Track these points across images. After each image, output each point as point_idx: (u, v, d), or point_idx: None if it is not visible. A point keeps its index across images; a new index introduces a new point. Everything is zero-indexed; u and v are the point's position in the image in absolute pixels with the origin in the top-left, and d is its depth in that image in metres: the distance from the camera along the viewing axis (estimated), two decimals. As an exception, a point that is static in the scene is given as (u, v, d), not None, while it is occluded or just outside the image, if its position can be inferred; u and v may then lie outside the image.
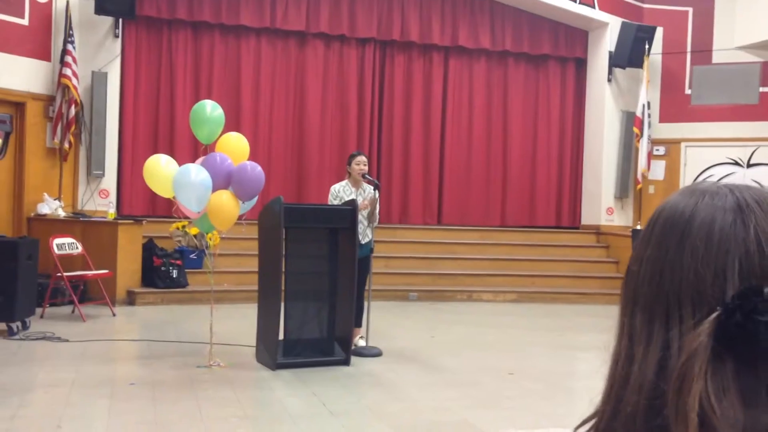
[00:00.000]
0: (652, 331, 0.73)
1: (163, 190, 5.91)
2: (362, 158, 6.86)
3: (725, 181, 0.80)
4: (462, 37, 11.74)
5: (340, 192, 6.77)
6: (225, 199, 5.90)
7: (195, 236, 9.28)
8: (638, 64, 11.45)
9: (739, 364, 0.67)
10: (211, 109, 6.11)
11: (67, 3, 9.52)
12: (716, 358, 0.67)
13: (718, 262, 0.71)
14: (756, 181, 10.87)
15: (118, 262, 8.92)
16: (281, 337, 6.18)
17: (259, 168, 6.05)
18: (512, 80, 12.17)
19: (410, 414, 4.98)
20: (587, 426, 0.78)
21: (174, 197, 5.84)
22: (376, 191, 6.86)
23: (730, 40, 10.94)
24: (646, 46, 11.37)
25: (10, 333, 6.95)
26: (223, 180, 5.88)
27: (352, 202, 6.42)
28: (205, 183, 5.67)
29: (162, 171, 5.84)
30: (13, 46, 9.20)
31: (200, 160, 6.07)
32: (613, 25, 11.74)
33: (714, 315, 0.68)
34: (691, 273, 0.72)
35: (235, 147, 6.17)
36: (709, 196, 0.76)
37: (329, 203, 6.79)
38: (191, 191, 5.64)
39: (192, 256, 9.55)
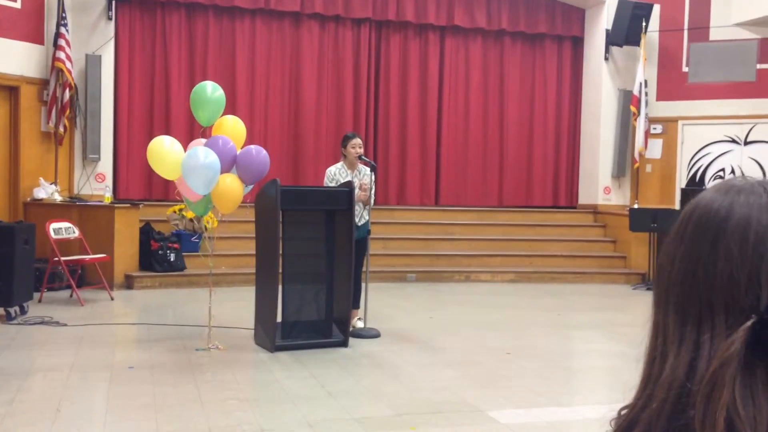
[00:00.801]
0: (685, 332, 0.72)
1: (168, 173, 5.84)
2: (357, 140, 6.83)
3: (759, 177, 0.78)
4: (458, 17, 11.67)
5: (336, 174, 6.75)
6: (229, 182, 5.88)
7: (191, 220, 9.26)
8: (635, 42, 11.39)
9: None
10: (211, 90, 6.06)
11: (60, -15, 9.44)
12: (747, 364, 0.67)
13: (753, 267, 0.70)
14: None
15: (115, 246, 8.91)
16: (279, 319, 6.19)
17: (264, 152, 6.09)
18: (509, 59, 12.12)
19: (409, 394, 4.99)
20: (620, 416, 0.78)
21: (178, 179, 5.79)
22: (373, 173, 6.84)
23: (728, 16, 10.87)
24: (643, 24, 11.31)
25: (8, 318, 6.96)
26: (228, 163, 5.86)
27: (349, 184, 6.40)
28: (215, 166, 5.64)
29: (167, 153, 5.78)
30: (6, 29, 9.13)
31: (195, 142, 6.02)
32: (609, 3, 11.67)
33: (748, 324, 0.67)
34: (724, 277, 0.70)
35: (232, 131, 6.14)
36: (745, 194, 0.74)
37: (325, 185, 6.77)
38: (201, 174, 5.60)
39: (194, 239, 9.54)
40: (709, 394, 0.66)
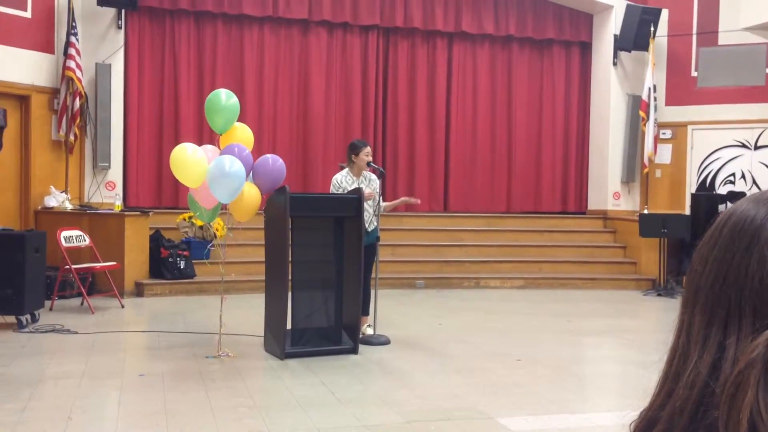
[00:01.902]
0: (710, 333, 0.74)
1: (191, 180, 5.82)
2: (369, 149, 6.83)
3: None
4: (465, 23, 11.68)
5: (343, 182, 6.75)
6: (247, 190, 5.91)
7: (201, 227, 9.28)
8: (644, 46, 11.37)
9: None
10: (226, 98, 6.08)
11: (70, -5, 9.51)
12: None
13: None
14: None
15: (125, 253, 8.95)
16: (289, 326, 6.19)
17: (280, 161, 6.14)
18: (517, 65, 12.12)
19: (419, 401, 4.98)
20: (640, 416, 0.79)
21: (197, 187, 5.79)
22: (381, 179, 6.84)
23: (736, 21, 10.84)
24: (652, 29, 11.29)
25: (19, 326, 6.99)
26: (246, 171, 5.89)
27: (357, 191, 6.41)
28: (240, 175, 5.67)
29: (190, 161, 5.77)
30: (17, 39, 9.20)
31: (204, 149, 6.03)
32: (617, 8, 11.66)
33: None
34: (756, 281, 0.72)
35: (240, 138, 6.16)
36: None
37: (332, 190, 6.78)
38: (227, 183, 5.62)
39: (210, 247, 9.56)
40: (733, 395, 0.68)
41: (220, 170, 5.62)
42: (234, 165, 5.64)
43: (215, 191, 5.68)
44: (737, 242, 0.75)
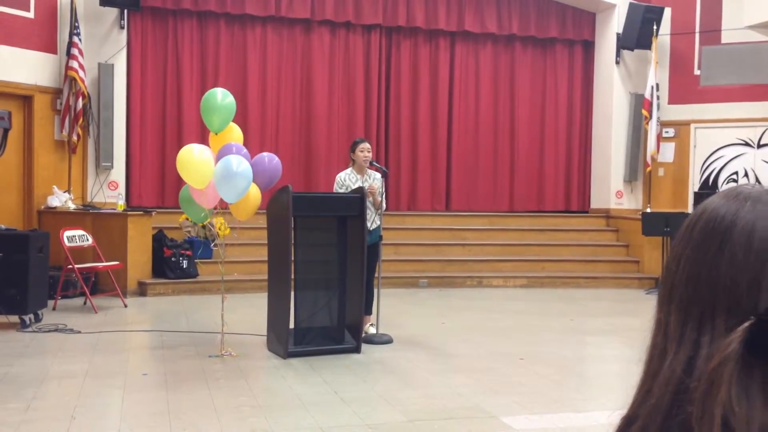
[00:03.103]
0: (685, 331, 0.75)
1: (198, 181, 5.82)
2: (366, 145, 6.84)
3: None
4: (468, 22, 11.67)
5: (346, 180, 6.76)
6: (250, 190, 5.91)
7: (204, 226, 9.28)
8: (646, 45, 11.35)
9: (765, 370, 0.70)
10: (222, 97, 6.08)
11: (72, -5, 9.52)
12: (744, 364, 0.69)
13: (755, 271, 0.72)
14: None
15: (128, 253, 8.96)
16: (292, 325, 6.19)
17: (276, 159, 6.15)
18: (519, 64, 12.11)
19: (422, 401, 4.98)
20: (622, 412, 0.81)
21: (201, 186, 5.79)
22: (384, 178, 6.84)
23: (739, 19, 10.81)
24: (654, 27, 11.28)
25: (22, 325, 7.00)
26: None
27: (360, 190, 6.41)
28: (248, 174, 5.67)
29: (197, 161, 5.75)
30: (20, 39, 9.21)
31: (199, 147, 6.01)
32: (620, 7, 11.64)
33: (746, 324, 0.70)
34: (727, 280, 0.73)
35: (232, 138, 6.16)
36: (752, 202, 0.77)
37: (335, 192, 6.78)
38: (234, 183, 5.62)
39: (212, 246, 9.54)
40: (707, 391, 0.69)
41: (228, 170, 5.62)
42: (241, 165, 5.65)
43: (223, 191, 5.68)
44: (709, 241, 0.76)
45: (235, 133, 6.21)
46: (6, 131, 7.13)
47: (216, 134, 6.15)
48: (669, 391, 0.73)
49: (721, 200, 0.79)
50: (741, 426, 0.67)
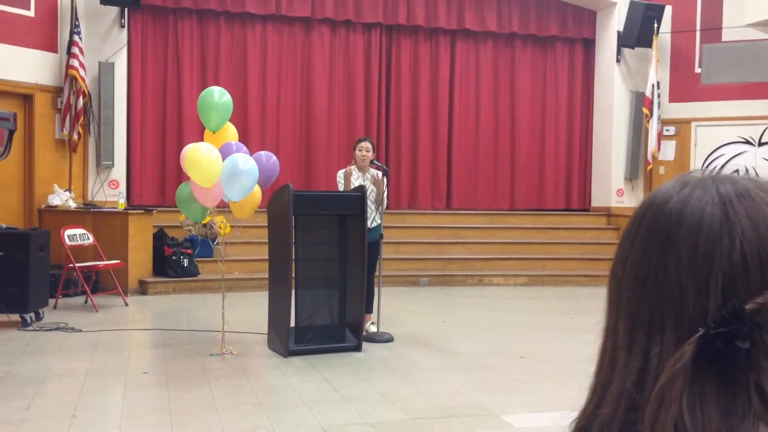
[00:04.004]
0: (635, 339, 0.70)
1: (206, 179, 5.80)
2: (365, 144, 6.84)
3: (718, 171, 0.73)
4: (468, 20, 11.67)
5: (347, 176, 6.76)
6: None
7: (205, 225, 9.29)
8: (647, 43, 11.34)
9: (718, 380, 0.65)
10: (218, 96, 6.08)
11: (73, -7, 9.52)
12: (695, 377, 0.65)
13: (702, 276, 0.66)
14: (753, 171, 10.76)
15: (129, 252, 8.96)
16: (292, 324, 6.20)
17: (274, 158, 6.16)
18: (520, 62, 12.10)
19: (423, 399, 4.99)
20: (575, 419, 0.76)
21: (213, 185, 5.79)
22: (385, 177, 6.85)
23: (740, 17, 10.81)
24: (655, 25, 11.27)
25: (24, 324, 7.00)
26: None
27: (360, 188, 6.41)
28: (253, 173, 5.67)
29: (204, 159, 5.73)
30: (20, 38, 9.21)
31: (206, 145, 6.03)
32: (621, 5, 11.63)
33: (695, 337, 0.65)
34: (674, 286, 0.67)
35: (225, 135, 6.16)
36: (700, 191, 0.70)
37: (338, 185, 6.79)
38: (241, 181, 5.63)
39: (215, 244, 9.54)
40: (657, 410, 0.64)
41: (234, 169, 5.62)
42: (247, 163, 5.66)
43: (228, 190, 5.69)
44: (655, 241, 0.69)
45: (230, 132, 6.21)
46: (11, 133, 7.11)
47: (214, 132, 6.15)
48: (621, 408, 0.68)
49: (669, 191, 0.72)
50: None
